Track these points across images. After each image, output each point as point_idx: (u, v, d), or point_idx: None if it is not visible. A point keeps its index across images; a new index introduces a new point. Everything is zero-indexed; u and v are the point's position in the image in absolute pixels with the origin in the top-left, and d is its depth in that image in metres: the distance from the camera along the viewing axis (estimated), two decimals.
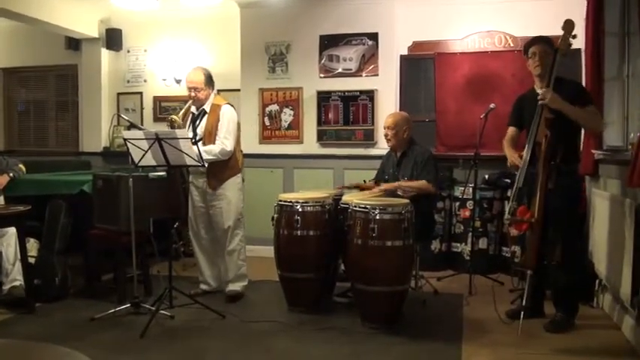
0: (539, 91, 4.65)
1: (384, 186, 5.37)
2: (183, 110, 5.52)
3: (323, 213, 5.06)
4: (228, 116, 5.36)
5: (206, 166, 5.12)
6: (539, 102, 4.46)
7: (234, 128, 5.38)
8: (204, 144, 5.29)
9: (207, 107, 5.42)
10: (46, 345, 2.21)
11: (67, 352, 1.95)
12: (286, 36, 7.35)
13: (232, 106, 5.52)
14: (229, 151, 5.32)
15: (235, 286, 5.48)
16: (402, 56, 7.08)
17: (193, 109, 5.48)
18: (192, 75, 5.42)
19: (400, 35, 7.05)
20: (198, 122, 5.43)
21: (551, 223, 4.51)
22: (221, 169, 5.38)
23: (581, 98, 4.53)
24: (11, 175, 5.74)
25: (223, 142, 5.27)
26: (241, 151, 5.68)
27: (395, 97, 7.04)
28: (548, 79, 4.50)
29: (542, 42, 4.73)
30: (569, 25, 4.51)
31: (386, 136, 5.44)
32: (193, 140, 5.29)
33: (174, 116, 5.46)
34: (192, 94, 5.36)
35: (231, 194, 5.43)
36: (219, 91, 5.56)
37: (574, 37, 4.54)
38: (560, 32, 4.53)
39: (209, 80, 5.43)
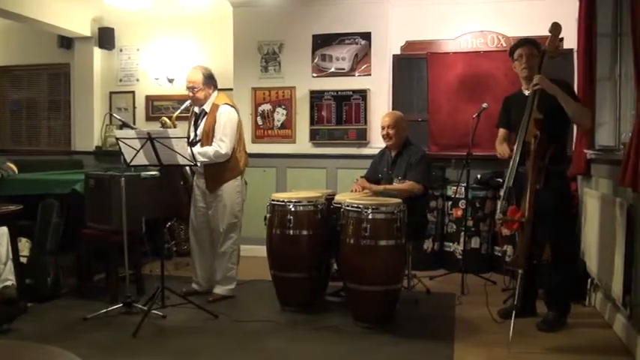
0: (526, 92, 4.67)
1: (371, 186, 5.34)
2: (178, 111, 5.50)
3: (315, 212, 5.06)
4: (225, 117, 5.29)
5: (198, 165, 5.09)
6: (534, 87, 4.46)
7: (231, 130, 5.30)
8: (202, 145, 5.27)
9: (207, 107, 5.37)
10: (37, 345, 2.20)
11: (58, 352, 1.94)
12: (279, 35, 7.35)
13: (233, 105, 5.45)
14: (224, 154, 5.26)
15: (220, 289, 5.46)
16: (394, 56, 7.10)
17: (196, 108, 5.45)
18: (191, 74, 5.37)
19: (393, 35, 7.07)
20: (199, 122, 5.40)
21: (541, 223, 4.53)
22: (220, 171, 5.33)
23: (570, 96, 4.54)
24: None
25: (219, 145, 5.22)
26: (245, 152, 5.58)
27: (388, 97, 7.05)
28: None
29: (528, 44, 4.74)
30: (556, 28, 4.51)
31: (387, 135, 5.43)
32: (194, 141, 5.29)
33: (165, 118, 5.45)
34: (190, 93, 5.33)
35: (228, 197, 5.38)
36: None
37: (561, 40, 4.55)
38: None
39: (208, 80, 5.37)
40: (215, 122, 5.27)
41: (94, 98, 8.51)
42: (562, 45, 4.59)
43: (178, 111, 5.49)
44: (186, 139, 4.74)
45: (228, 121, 5.29)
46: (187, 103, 5.45)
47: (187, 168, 5.59)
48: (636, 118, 3.92)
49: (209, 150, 5.21)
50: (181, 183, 5.91)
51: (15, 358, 1.97)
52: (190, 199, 5.62)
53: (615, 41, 5.28)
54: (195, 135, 5.35)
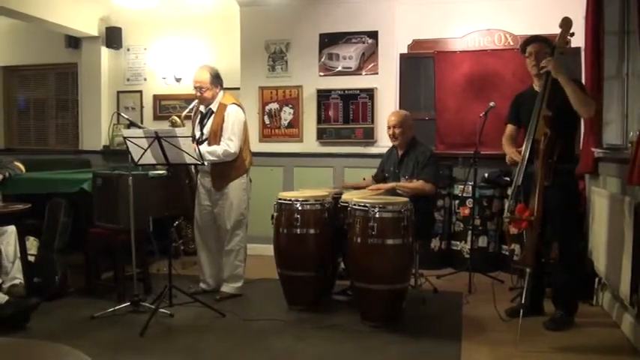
0: (537, 89, 4.65)
1: (381, 185, 5.36)
2: (187, 110, 5.51)
3: (322, 211, 5.06)
4: (233, 117, 5.32)
5: (205, 164, 5.11)
6: (541, 69, 4.46)
7: (239, 129, 5.34)
8: (209, 144, 5.28)
9: (214, 106, 5.39)
10: (46, 343, 2.21)
11: (67, 350, 1.95)
12: (286, 34, 7.35)
13: (240, 105, 5.49)
14: (233, 153, 5.28)
15: (228, 287, 5.48)
16: (401, 54, 7.08)
17: (202, 108, 5.47)
18: (198, 74, 5.39)
19: (400, 33, 7.05)
20: (205, 121, 5.42)
21: (549, 222, 4.52)
22: (226, 169, 5.36)
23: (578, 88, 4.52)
24: (6, 174, 5.75)
25: (227, 144, 5.25)
26: (250, 151, 5.62)
27: (395, 96, 7.04)
28: (546, 76, 4.50)
29: (538, 41, 4.73)
30: (566, 23, 4.51)
31: (393, 134, 5.43)
32: (200, 140, 5.30)
33: (174, 117, 5.47)
34: (198, 93, 5.35)
35: (234, 195, 5.41)
36: None
37: (572, 34, 4.55)
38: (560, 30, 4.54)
39: (215, 79, 5.39)
40: (223, 121, 5.29)
41: (102, 98, 8.55)
42: (571, 41, 4.57)
43: (187, 110, 5.52)
44: (192, 138, 4.75)
45: (236, 121, 5.32)
46: (195, 102, 5.47)
47: (192, 166, 5.61)
48: None
49: (218, 149, 5.23)
50: (186, 182, 5.94)
51: (25, 356, 1.98)
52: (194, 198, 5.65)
53: (622, 39, 5.27)
54: (202, 134, 5.37)
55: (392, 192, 5.23)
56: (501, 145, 4.98)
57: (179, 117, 5.59)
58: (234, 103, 5.41)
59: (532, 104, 4.56)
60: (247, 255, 5.70)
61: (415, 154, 5.34)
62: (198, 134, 5.37)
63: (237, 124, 5.32)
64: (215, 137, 5.29)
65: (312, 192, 5.34)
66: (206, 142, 5.30)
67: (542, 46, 4.67)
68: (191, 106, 5.53)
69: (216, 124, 5.32)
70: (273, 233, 5.21)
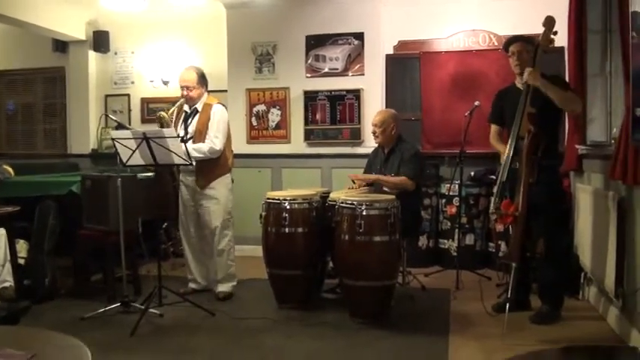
0: (519, 86, 4.72)
1: (364, 176, 5.41)
2: (173, 108, 5.54)
3: (310, 210, 5.10)
4: (218, 115, 5.39)
5: (194, 164, 5.14)
6: (524, 82, 4.52)
7: (224, 127, 5.41)
8: (194, 142, 5.33)
9: (199, 106, 5.45)
10: (41, 330, 2.24)
11: (61, 337, 1.99)
12: (273, 36, 7.39)
13: (224, 105, 5.56)
14: (218, 150, 5.34)
15: (224, 287, 5.50)
16: (387, 55, 7.13)
17: (186, 107, 5.51)
18: (185, 74, 5.45)
19: (386, 35, 7.10)
20: (190, 121, 5.46)
21: (534, 217, 4.57)
22: (210, 167, 5.40)
23: (561, 86, 4.58)
24: None
25: (213, 141, 5.30)
26: (232, 151, 5.68)
27: (381, 96, 7.09)
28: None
29: (520, 41, 4.80)
30: (549, 22, 4.56)
31: (374, 133, 5.48)
32: (185, 138, 5.33)
33: (162, 113, 5.47)
34: (185, 92, 5.40)
35: (220, 194, 5.45)
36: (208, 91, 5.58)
37: (555, 33, 4.60)
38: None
39: (202, 79, 5.45)
40: (209, 120, 5.36)
41: (90, 101, 8.52)
42: (554, 39, 4.63)
43: (172, 109, 5.52)
44: (180, 138, 4.79)
45: (222, 119, 5.41)
46: (182, 100, 5.49)
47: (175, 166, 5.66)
48: (626, 112, 3.98)
49: (203, 146, 5.29)
50: (172, 183, 5.95)
51: (22, 341, 2.01)
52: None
53: (605, 38, 5.34)
54: (186, 133, 5.41)
55: (378, 188, 5.28)
56: (486, 143, 5.05)
57: (167, 113, 5.57)
58: (219, 103, 5.49)
59: (515, 101, 4.61)
60: (236, 256, 5.72)
61: (400, 151, 5.37)
62: (182, 133, 5.40)
63: (222, 122, 5.40)
64: (200, 136, 5.35)
65: (299, 191, 5.38)
66: (191, 141, 5.34)
67: (524, 46, 4.74)
68: (178, 104, 5.53)
69: (202, 123, 5.37)
70: (262, 232, 5.24)
